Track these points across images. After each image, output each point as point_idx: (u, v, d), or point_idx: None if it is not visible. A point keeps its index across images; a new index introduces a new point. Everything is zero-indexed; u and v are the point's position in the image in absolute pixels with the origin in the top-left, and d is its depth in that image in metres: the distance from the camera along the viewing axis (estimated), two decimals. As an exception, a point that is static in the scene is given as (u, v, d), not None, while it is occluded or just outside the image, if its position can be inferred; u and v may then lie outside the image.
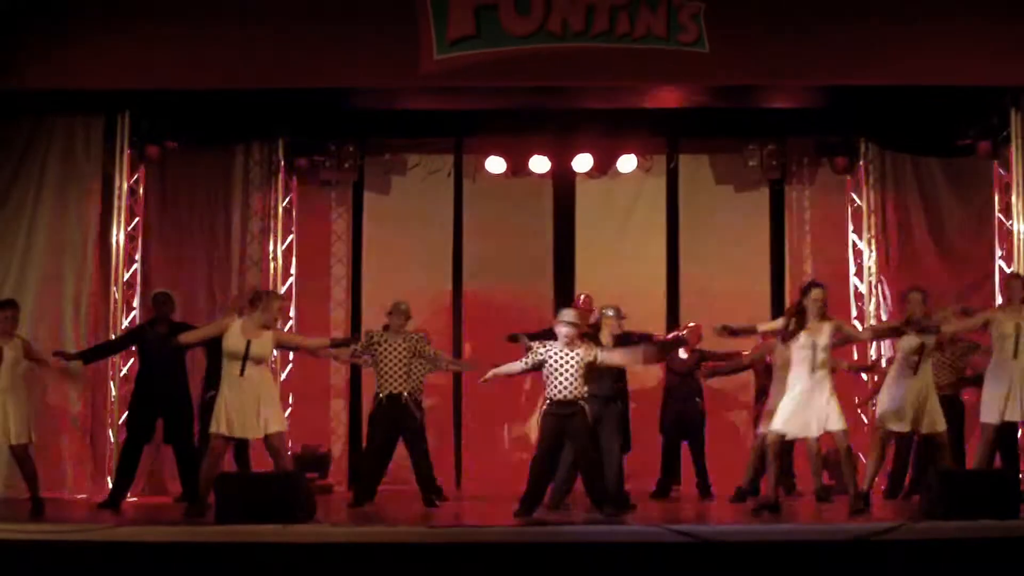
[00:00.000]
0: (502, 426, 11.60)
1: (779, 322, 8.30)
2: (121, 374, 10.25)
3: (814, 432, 8.14)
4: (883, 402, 8.52)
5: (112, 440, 10.06)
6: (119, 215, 10.28)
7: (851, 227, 11.38)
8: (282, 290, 11.18)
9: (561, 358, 7.98)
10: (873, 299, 11.11)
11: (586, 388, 8.05)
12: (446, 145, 11.65)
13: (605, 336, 8.83)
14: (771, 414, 8.43)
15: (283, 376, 11.12)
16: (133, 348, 9.77)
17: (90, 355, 9.41)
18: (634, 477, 9.62)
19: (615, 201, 11.81)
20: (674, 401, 10.31)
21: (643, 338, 8.92)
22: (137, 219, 10.63)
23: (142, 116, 10.35)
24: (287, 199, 11.43)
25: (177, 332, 8.51)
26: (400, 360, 9.05)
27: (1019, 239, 9.88)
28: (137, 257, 10.59)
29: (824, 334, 8.05)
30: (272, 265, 11.12)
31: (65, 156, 10.20)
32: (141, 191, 10.66)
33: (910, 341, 8.41)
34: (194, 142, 10.87)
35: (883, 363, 10.21)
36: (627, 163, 11.42)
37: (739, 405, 11.24)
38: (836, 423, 7.99)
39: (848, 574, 6.48)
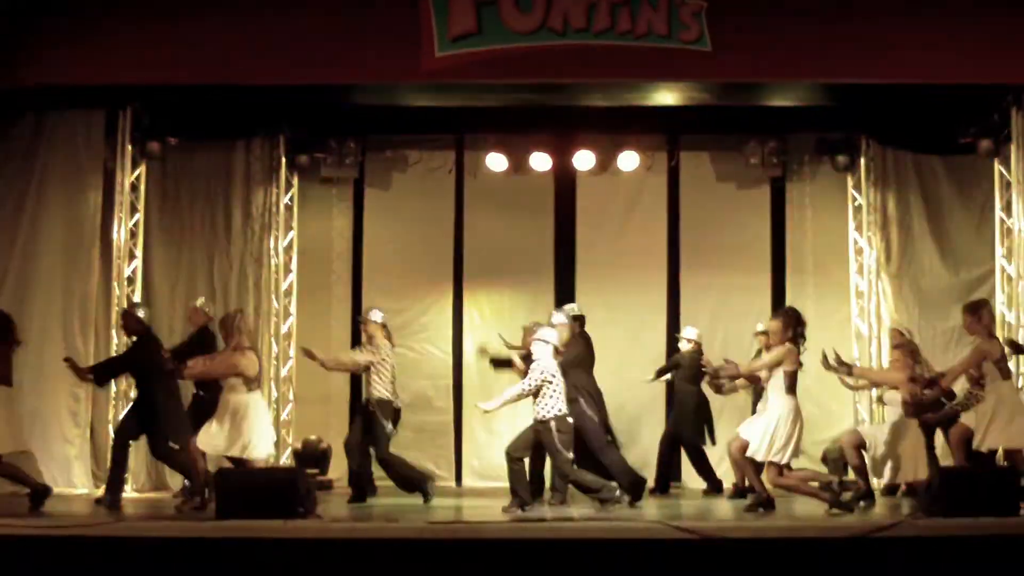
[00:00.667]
0: (502, 421, 11.59)
1: None
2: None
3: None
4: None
5: (112, 436, 10.05)
6: (120, 211, 10.28)
7: (852, 224, 11.38)
8: (283, 287, 11.20)
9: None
10: (873, 297, 11.12)
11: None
12: (447, 142, 11.66)
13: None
14: None
15: (283, 372, 11.13)
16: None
17: (101, 373, 8.95)
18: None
19: (616, 198, 11.80)
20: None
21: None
22: (138, 215, 10.61)
23: (143, 112, 10.34)
24: (288, 195, 11.41)
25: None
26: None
27: (1020, 237, 9.88)
28: (138, 253, 10.58)
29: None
30: (273, 262, 11.11)
31: (66, 152, 10.22)
32: (142, 187, 10.65)
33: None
34: (195, 138, 10.88)
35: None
36: (628, 160, 11.42)
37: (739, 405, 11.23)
38: None
39: (848, 571, 6.47)
